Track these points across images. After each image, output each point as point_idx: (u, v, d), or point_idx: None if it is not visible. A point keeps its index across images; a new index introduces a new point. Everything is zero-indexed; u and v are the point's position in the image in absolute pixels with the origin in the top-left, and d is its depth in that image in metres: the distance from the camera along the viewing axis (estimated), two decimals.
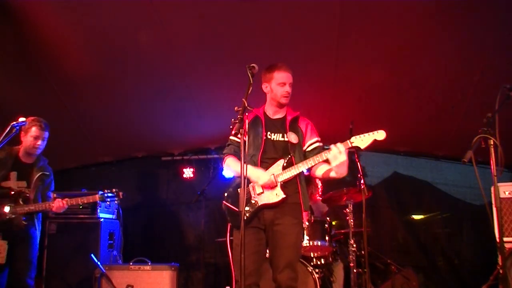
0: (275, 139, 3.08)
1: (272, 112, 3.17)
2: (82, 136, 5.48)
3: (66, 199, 3.77)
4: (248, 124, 3.14)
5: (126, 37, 4.26)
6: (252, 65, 2.87)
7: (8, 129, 3.38)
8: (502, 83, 2.91)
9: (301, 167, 2.91)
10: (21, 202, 3.72)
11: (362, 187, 4.18)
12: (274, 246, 2.92)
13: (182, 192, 6.38)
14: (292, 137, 3.06)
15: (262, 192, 2.94)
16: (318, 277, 4.06)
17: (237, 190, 3.02)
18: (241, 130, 2.53)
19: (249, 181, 2.95)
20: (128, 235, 6.04)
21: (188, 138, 6.20)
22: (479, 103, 4.53)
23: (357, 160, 4.33)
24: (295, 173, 2.92)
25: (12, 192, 3.72)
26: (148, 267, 4.79)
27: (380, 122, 5.52)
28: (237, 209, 2.96)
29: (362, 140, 2.83)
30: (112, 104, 5.23)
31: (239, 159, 3.09)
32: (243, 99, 2.64)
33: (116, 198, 3.93)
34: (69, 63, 4.52)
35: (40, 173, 3.88)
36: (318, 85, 4.97)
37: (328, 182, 5.74)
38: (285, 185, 2.96)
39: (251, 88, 2.78)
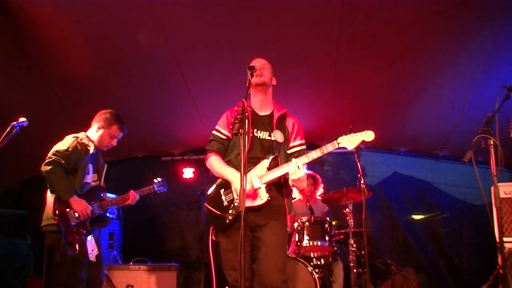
0: (261, 137, 2.98)
1: (258, 105, 3.06)
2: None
3: (137, 190, 3.87)
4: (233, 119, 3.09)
5: (126, 37, 4.25)
6: (251, 65, 2.88)
7: (8, 129, 3.36)
8: (502, 83, 2.91)
9: (286, 169, 2.80)
10: (101, 197, 3.65)
11: (362, 187, 4.18)
12: (262, 249, 2.81)
13: (182, 192, 6.38)
14: (278, 136, 2.97)
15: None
16: (318, 277, 4.06)
17: (220, 192, 2.94)
18: (240, 130, 2.49)
19: (230, 185, 2.89)
20: (128, 235, 6.04)
21: (188, 138, 6.20)
22: (479, 103, 4.54)
23: (357, 160, 4.33)
24: (280, 175, 2.83)
25: (93, 187, 3.63)
26: (148, 267, 4.79)
27: (380, 122, 5.58)
28: (219, 213, 2.89)
29: (350, 141, 2.77)
30: (112, 104, 5.16)
31: (223, 157, 3.03)
32: (243, 99, 2.63)
33: (162, 187, 4.07)
34: (69, 63, 4.52)
35: (106, 165, 3.83)
36: (318, 85, 4.97)
37: (328, 182, 5.76)
38: (270, 187, 2.87)
39: (250, 88, 2.79)
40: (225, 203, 2.90)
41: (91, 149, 3.59)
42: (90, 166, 3.63)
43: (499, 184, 2.81)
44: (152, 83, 4.93)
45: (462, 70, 4.46)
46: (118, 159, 6.51)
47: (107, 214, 3.71)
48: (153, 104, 5.29)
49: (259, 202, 2.81)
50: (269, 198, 2.80)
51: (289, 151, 3.01)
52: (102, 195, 3.69)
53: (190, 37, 4.30)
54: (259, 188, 2.80)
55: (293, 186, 2.91)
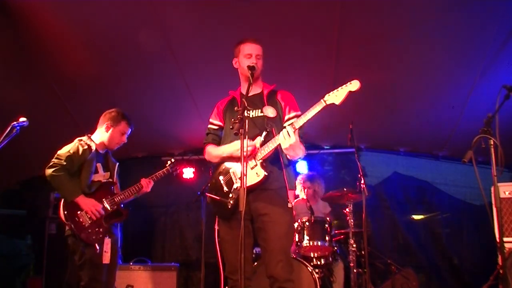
0: (253, 115, 2.94)
1: (247, 89, 2.96)
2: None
3: (150, 177, 3.86)
4: (223, 109, 3.09)
5: (126, 37, 4.25)
6: (252, 65, 2.87)
7: (8, 129, 3.36)
8: (502, 83, 2.91)
9: (277, 140, 2.74)
10: (113, 191, 3.63)
11: (362, 187, 4.18)
12: (265, 239, 2.77)
13: (182, 192, 6.37)
14: (269, 111, 2.91)
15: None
16: (318, 277, 4.06)
17: (219, 179, 2.94)
18: (241, 130, 2.48)
19: (228, 171, 2.90)
20: (128, 235, 6.04)
21: (188, 138, 6.20)
22: (479, 103, 4.54)
23: (357, 160, 4.34)
24: (273, 147, 2.76)
25: (103, 183, 3.59)
26: (148, 267, 4.79)
27: (380, 122, 5.57)
28: (219, 198, 2.88)
29: (336, 96, 2.73)
30: (112, 104, 5.19)
31: (219, 145, 3.02)
32: (243, 99, 2.63)
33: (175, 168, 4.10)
34: (69, 63, 4.52)
35: (118, 163, 3.83)
36: (318, 85, 4.96)
37: (328, 182, 5.76)
38: (266, 164, 2.80)
39: (251, 88, 2.79)
40: (225, 188, 2.89)
41: (93, 147, 3.59)
42: (99, 165, 3.63)
43: (499, 184, 2.81)
44: (152, 83, 4.93)
45: (462, 70, 4.46)
46: (118, 159, 6.50)
47: (122, 205, 3.65)
48: (153, 104, 5.29)
49: (256, 179, 2.76)
50: (265, 174, 2.75)
51: (285, 124, 2.93)
52: (113, 188, 3.66)
53: (190, 37, 4.30)
54: (255, 165, 2.78)
55: (288, 156, 2.83)
